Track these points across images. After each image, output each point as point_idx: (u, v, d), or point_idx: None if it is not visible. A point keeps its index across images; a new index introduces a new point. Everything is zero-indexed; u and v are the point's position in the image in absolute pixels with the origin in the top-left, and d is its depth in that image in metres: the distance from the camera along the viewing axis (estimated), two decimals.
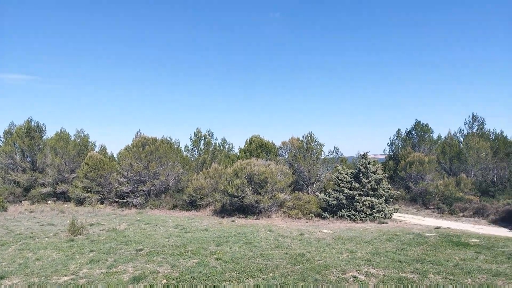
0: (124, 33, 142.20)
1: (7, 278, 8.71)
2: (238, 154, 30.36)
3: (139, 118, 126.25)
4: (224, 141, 33.90)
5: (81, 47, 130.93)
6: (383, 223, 18.72)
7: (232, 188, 20.39)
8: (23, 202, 26.22)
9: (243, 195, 20.23)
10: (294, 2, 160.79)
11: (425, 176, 26.49)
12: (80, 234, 14.29)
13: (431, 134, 32.08)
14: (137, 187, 24.84)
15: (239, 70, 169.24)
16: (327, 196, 20.83)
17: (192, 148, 31.36)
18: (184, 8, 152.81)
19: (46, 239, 13.65)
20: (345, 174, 21.12)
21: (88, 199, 25.24)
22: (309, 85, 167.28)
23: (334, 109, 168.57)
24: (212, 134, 31.79)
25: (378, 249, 11.77)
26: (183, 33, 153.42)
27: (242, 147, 30.62)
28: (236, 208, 21.24)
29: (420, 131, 32.13)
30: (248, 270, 9.06)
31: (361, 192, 19.92)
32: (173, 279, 8.41)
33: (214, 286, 7.96)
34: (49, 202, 26.57)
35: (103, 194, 25.99)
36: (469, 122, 31.68)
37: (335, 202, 20.26)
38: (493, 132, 31.15)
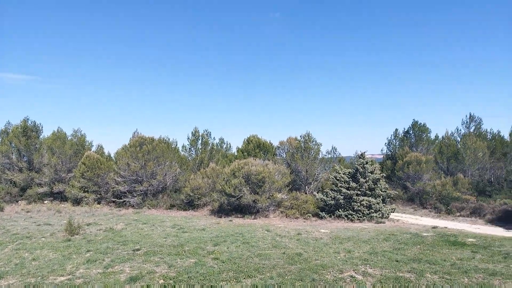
0: (124, 33, 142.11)
1: (3, 278, 8.66)
2: (236, 153, 30.35)
3: (138, 118, 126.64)
4: (221, 140, 33.89)
5: (81, 47, 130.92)
6: (381, 222, 18.75)
7: (229, 187, 20.37)
8: (19, 202, 26.08)
9: (241, 194, 20.21)
10: (294, 2, 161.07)
11: (423, 176, 26.57)
12: (77, 234, 14.22)
13: (429, 134, 32.25)
14: (134, 187, 24.78)
15: (239, 70, 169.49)
16: (325, 195, 20.85)
17: (189, 148, 31.29)
18: (184, 8, 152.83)
19: (43, 239, 13.58)
20: (343, 174, 21.15)
21: (85, 199, 25.14)
22: (309, 85, 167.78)
23: (333, 109, 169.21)
24: (210, 134, 31.73)
25: (375, 249, 11.79)
26: (183, 33, 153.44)
27: (240, 146, 30.63)
28: (233, 208, 21.22)
29: (417, 131, 32.23)
30: (245, 270, 9.05)
31: (359, 192, 19.95)
32: (170, 279, 8.38)
33: (212, 286, 7.94)
34: (45, 202, 26.44)
35: (100, 194, 25.89)
36: (467, 122, 31.84)
37: (332, 202, 20.28)
38: (490, 132, 31.32)
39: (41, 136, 29.52)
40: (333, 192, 20.61)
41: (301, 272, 8.88)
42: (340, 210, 19.86)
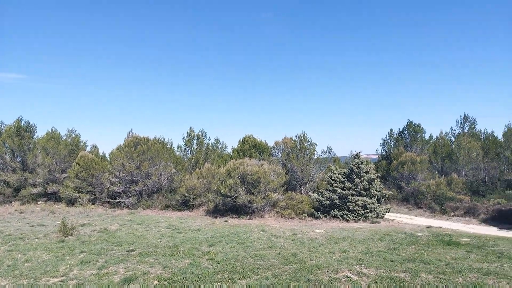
0: (124, 33, 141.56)
1: None
2: (231, 154, 30.29)
3: (134, 119, 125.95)
4: (217, 141, 33.85)
5: (81, 47, 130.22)
6: (376, 222, 18.81)
7: (225, 188, 20.33)
8: (13, 202, 25.85)
9: (236, 195, 20.18)
10: (294, 2, 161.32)
11: (417, 175, 26.69)
12: (70, 235, 14.11)
13: (423, 134, 32.40)
14: (129, 187, 24.64)
15: (239, 70, 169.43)
16: (320, 196, 20.87)
17: (185, 148, 31.20)
18: (184, 8, 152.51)
19: (36, 240, 13.46)
20: (338, 174, 21.19)
21: (80, 200, 24.97)
22: (309, 85, 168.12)
23: (331, 109, 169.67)
24: (205, 134, 31.67)
25: (370, 249, 11.82)
26: (183, 33, 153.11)
27: (235, 147, 30.57)
28: (229, 208, 21.18)
29: (412, 131, 32.39)
30: (240, 271, 9.03)
31: (354, 192, 20.00)
32: (165, 280, 8.34)
33: (206, 287, 7.91)
34: (39, 202, 26.23)
35: (94, 195, 25.72)
36: (461, 122, 32.03)
37: (328, 202, 20.31)
38: (484, 132, 31.53)
39: (35, 136, 29.29)
40: (328, 192, 20.64)
41: (296, 273, 8.87)
42: (335, 210, 19.90)
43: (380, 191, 20.78)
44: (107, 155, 31.14)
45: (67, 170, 26.80)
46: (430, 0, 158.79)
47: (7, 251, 11.65)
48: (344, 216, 19.47)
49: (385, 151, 33.53)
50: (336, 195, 20.06)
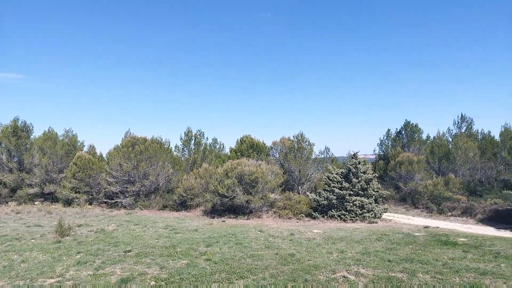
0: (124, 33, 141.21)
1: None
2: (229, 154, 30.25)
3: (132, 119, 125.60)
4: (215, 141, 33.74)
5: (81, 47, 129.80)
6: (373, 222, 18.83)
7: (222, 188, 20.30)
8: (9, 203, 25.72)
9: (234, 195, 20.16)
10: (294, 2, 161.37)
11: (415, 176, 26.76)
12: (67, 236, 14.05)
13: (421, 134, 32.50)
14: (127, 188, 24.56)
15: (239, 70, 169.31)
16: (318, 196, 20.88)
17: (182, 148, 31.10)
18: (184, 8, 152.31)
19: (33, 240, 13.39)
20: (336, 174, 21.20)
21: (76, 200, 24.87)
22: (309, 85, 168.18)
23: (330, 109, 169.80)
24: (203, 134, 31.57)
25: (367, 249, 11.82)
26: (183, 33, 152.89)
27: (233, 147, 30.54)
28: (226, 208, 21.15)
29: (409, 131, 32.45)
30: (238, 271, 9.01)
31: (351, 192, 20.02)
32: (162, 281, 8.31)
33: (203, 287, 7.88)
34: (36, 202, 26.10)
35: (91, 195, 25.63)
36: (458, 122, 32.10)
37: (325, 202, 20.32)
38: (481, 133, 31.62)
39: (31, 136, 29.14)
40: (326, 192, 20.65)
41: (293, 273, 8.86)
42: (333, 210, 19.91)
43: (377, 191, 20.81)
44: (104, 155, 31.04)
45: (64, 170, 26.67)
46: (430, 0, 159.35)
47: (3, 251, 11.58)
48: (341, 216, 19.49)
49: (383, 151, 33.57)
50: (334, 195, 20.07)
